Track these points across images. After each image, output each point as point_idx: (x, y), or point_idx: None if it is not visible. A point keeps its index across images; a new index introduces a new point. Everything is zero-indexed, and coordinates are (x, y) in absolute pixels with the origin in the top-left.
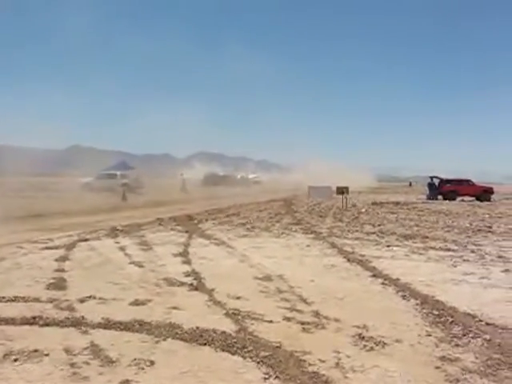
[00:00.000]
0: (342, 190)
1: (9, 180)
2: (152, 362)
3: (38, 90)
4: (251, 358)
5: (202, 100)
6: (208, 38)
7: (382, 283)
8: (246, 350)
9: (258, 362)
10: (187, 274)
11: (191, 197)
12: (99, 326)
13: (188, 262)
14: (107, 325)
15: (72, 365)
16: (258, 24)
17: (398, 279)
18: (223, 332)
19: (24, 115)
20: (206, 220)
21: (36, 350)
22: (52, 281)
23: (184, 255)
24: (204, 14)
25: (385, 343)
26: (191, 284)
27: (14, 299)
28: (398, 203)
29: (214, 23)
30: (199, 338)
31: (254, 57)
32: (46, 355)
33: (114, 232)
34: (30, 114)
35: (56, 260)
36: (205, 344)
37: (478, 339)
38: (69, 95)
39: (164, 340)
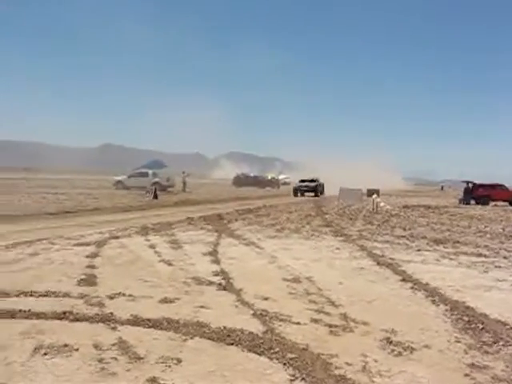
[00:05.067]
0: (372, 193)
1: (44, 177)
2: (179, 360)
3: (71, 88)
4: (278, 359)
5: (234, 99)
6: (234, 36)
7: (412, 288)
8: (272, 351)
9: (285, 364)
10: (216, 274)
11: (221, 197)
12: (128, 322)
13: (217, 262)
14: (136, 322)
15: (100, 360)
16: (285, 22)
17: (427, 284)
18: (250, 332)
19: (60, 113)
20: (236, 220)
21: (66, 345)
22: (83, 277)
23: (213, 255)
24: (229, 11)
25: (413, 348)
26: (220, 283)
27: (46, 294)
28: (429, 207)
29: (242, 20)
30: (226, 337)
31: (284, 56)
32: (76, 350)
33: (144, 230)
34: (66, 113)
35: (87, 256)
36: (232, 344)
37: (509, 347)
38: (99, 93)
39: (191, 338)
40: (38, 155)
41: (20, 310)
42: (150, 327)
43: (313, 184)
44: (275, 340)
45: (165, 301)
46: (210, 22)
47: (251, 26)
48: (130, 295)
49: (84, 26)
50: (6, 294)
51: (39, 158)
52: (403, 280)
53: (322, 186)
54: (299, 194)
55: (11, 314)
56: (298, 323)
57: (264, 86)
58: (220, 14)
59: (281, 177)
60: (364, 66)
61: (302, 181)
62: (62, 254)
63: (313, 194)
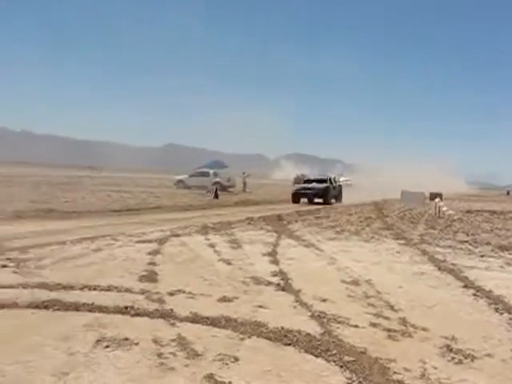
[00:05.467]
0: (435, 196)
1: (108, 175)
2: (236, 359)
3: (139, 89)
4: (335, 361)
5: (297, 100)
6: (299, 36)
7: (474, 294)
8: (329, 353)
9: (342, 366)
10: (275, 274)
11: (281, 198)
12: (187, 319)
13: (276, 262)
14: (195, 319)
15: (159, 355)
16: (349, 20)
17: (490, 291)
18: (308, 334)
19: (128, 114)
20: (296, 221)
21: (126, 339)
22: (144, 273)
23: (272, 255)
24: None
25: (474, 357)
26: (278, 284)
27: (108, 289)
28: (494, 212)
29: (311, 20)
30: (284, 337)
31: (346, 56)
32: (136, 344)
33: (204, 229)
34: (133, 113)
35: (149, 253)
36: (289, 344)
37: None
38: (164, 93)
39: (249, 337)
40: (106, 154)
41: (84, 303)
42: (208, 325)
43: (321, 186)
44: (333, 342)
45: (223, 299)
46: (275, 26)
47: (327, 25)
48: (189, 293)
49: (154, 23)
50: (71, 287)
51: (107, 156)
52: (465, 286)
53: (339, 188)
54: (306, 200)
55: (75, 307)
56: (356, 326)
57: (327, 87)
58: (282, 15)
59: (342, 179)
60: (428, 68)
61: (308, 181)
62: (124, 250)
63: (321, 199)
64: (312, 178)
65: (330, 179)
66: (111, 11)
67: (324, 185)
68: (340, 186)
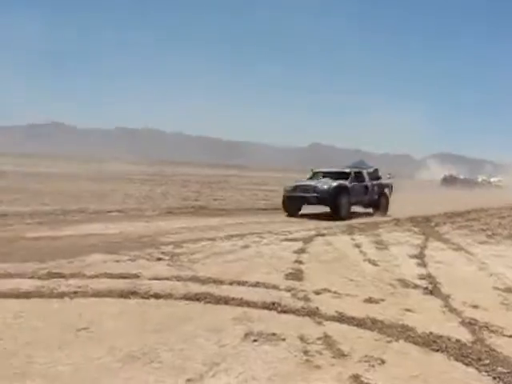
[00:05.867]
0: None
1: (254, 174)
2: (383, 361)
3: (283, 90)
4: (487, 372)
5: (443, 100)
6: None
7: None
8: (481, 362)
9: (495, 378)
10: (422, 277)
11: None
12: (333, 318)
13: (423, 265)
14: (340, 318)
15: (305, 352)
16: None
17: None
18: (458, 340)
19: (271, 113)
20: (444, 223)
21: (274, 334)
22: (290, 271)
23: (419, 257)
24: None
25: None
26: (426, 288)
27: (256, 285)
28: None
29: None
30: (432, 343)
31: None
32: (283, 340)
33: (350, 229)
34: (277, 112)
35: (294, 252)
36: (437, 350)
37: None
38: (311, 92)
39: (396, 341)
40: (251, 154)
41: (233, 298)
42: (354, 325)
43: (326, 186)
44: (485, 351)
45: (369, 301)
46: (421, 27)
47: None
48: (335, 292)
49: (308, 25)
50: (221, 282)
51: (252, 156)
52: None
53: (378, 190)
54: (307, 208)
55: (225, 301)
56: (511, 336)
57: (475, 85)
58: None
59: (492, 179)
60: None
61: (320, 174)
62: (270, 247)
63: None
64: (324, 170)
65: (356, 174)
66: (256, 15)
67: (336, 183)
68: (383, 185)
